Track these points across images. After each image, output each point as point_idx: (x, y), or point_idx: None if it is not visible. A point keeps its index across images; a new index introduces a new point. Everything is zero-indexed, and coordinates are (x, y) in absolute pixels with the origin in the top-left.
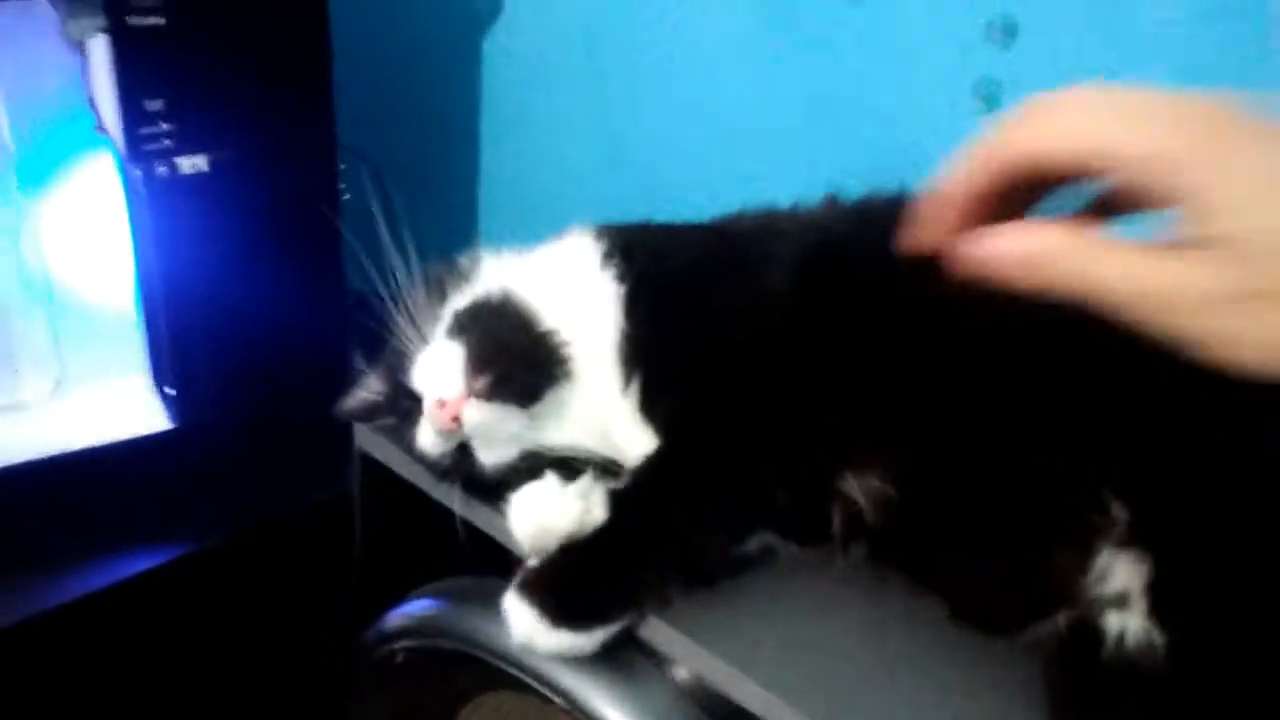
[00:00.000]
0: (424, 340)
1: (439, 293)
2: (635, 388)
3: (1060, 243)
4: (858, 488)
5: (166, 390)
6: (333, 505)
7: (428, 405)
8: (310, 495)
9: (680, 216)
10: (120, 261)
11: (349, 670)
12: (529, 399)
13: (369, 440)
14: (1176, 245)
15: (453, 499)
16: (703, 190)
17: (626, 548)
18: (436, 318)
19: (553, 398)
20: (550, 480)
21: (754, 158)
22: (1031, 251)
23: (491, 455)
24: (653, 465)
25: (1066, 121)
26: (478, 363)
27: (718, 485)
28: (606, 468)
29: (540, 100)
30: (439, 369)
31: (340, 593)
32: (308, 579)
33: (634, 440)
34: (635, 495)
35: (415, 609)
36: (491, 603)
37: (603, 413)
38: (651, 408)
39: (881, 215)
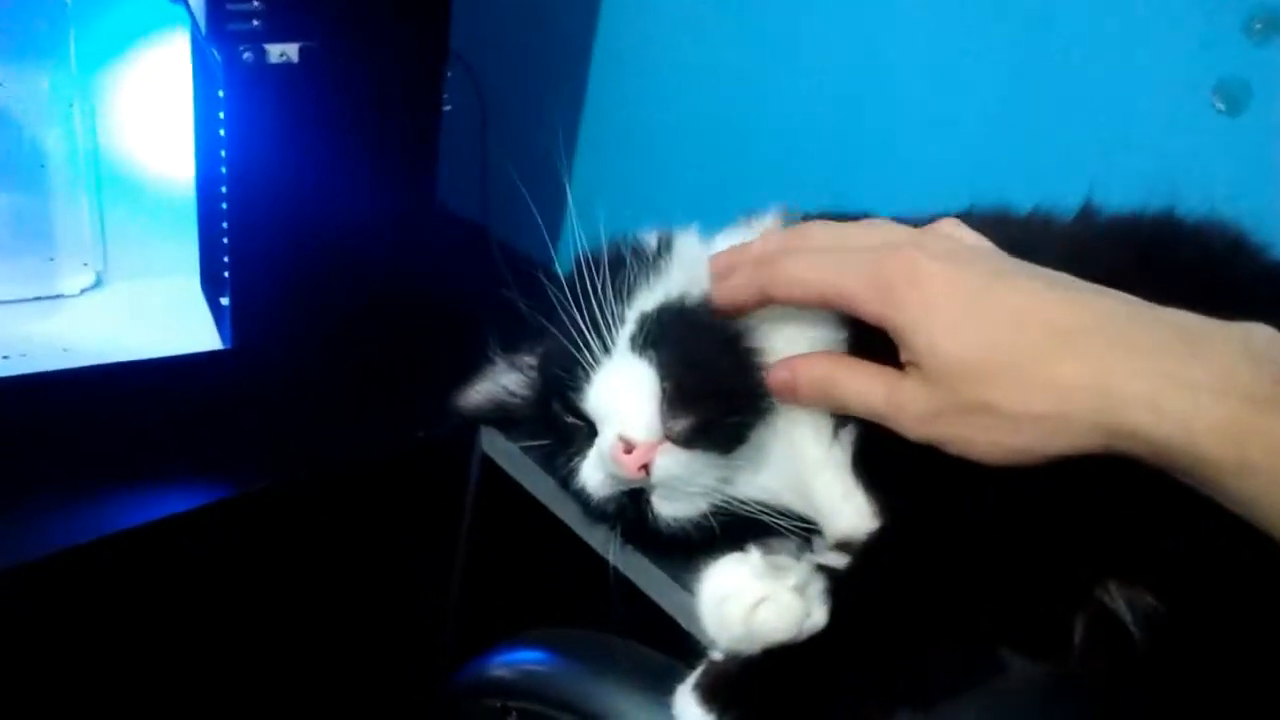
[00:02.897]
0: (601, 345)
1: (621, 279)
2: (849, 436)
3: (825, 372)
4: (1122, 600)
5: (221, 302)
6: (405, 460)
7: (607, 443)
8: (380, 444)
9: (814, 195)
10: (181, 151)
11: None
12: (734, 445)
13: (500, 450)
14: (905, 365)
15: (610, 549)
16: (851, 169)
17: (848, 665)
18: (618, 317)
19: (753, 440)
20: (754, 560)
21: (928, 140)
22: (813, 380)
23: (674, 508)
24: (880, 559)
25: (795, 273)
26: (680, 400)
27: (963, 590)
28: (801, 528)
29: (667, 33)
30: (626, 399)
31: (414, 574)
32: (372, 543)
33: (838, 500)
34: (861, 598)
35: (529, 662)
36: (637, 678)
37: (803, 461)
38: (870, 468)
39: (1156, 245)
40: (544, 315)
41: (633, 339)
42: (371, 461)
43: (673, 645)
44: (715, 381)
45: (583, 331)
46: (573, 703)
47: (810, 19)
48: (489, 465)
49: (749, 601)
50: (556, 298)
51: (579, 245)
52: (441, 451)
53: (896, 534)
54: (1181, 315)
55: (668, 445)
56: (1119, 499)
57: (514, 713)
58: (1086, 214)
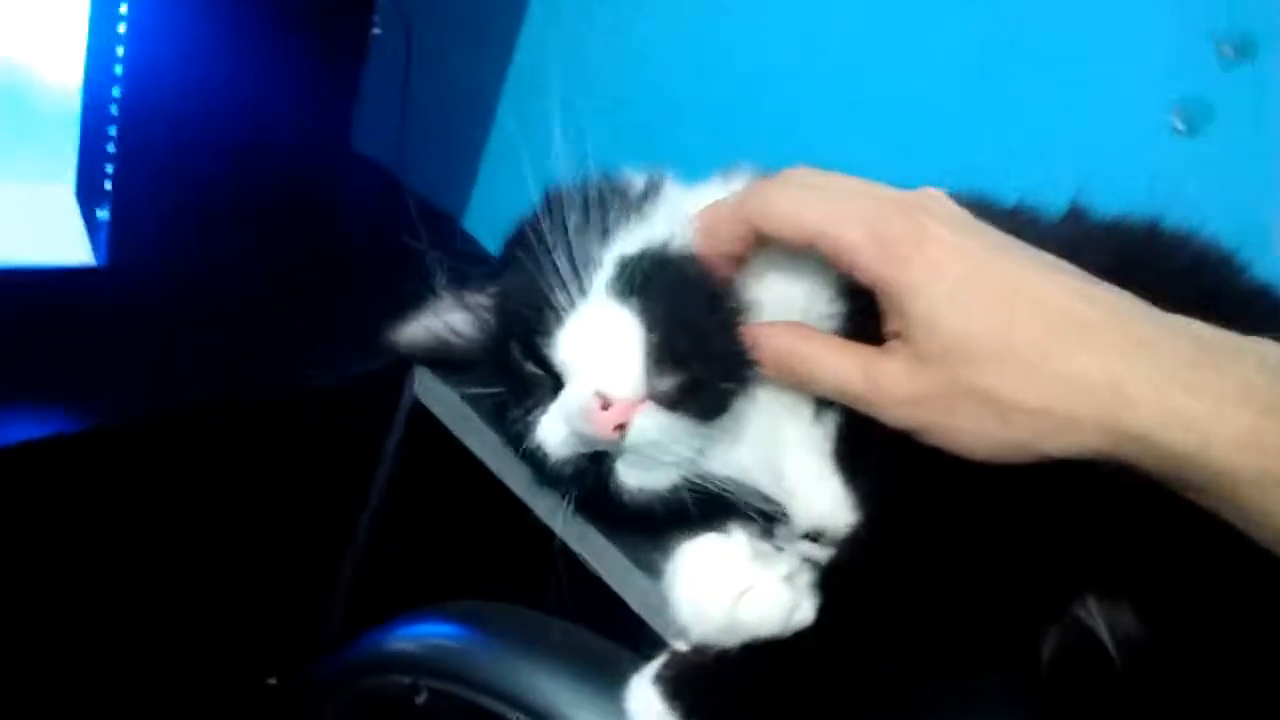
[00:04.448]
0: (576, 285)
1: (598, 218)
2: (832, 420)
3: (789, 345)
4: (1101, 618)
5: (97, 214)
6: (301, 403)
7: (580, 398)
8: (265, 384)
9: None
10: (70, 37)
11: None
12: (718, 412)
13: (435, 396)
14: (888, 339)
15: (558, 519)
16: (799, 135)
17: (839, 668)
18: (594, 258)
19: (733, 411)
20: (740, 541)
21: (885, 139)
22: (776, 352)
23: (641, 478)
24: (875, 555)
25: (788, 207)
26: (667, 356)
27: (945, 595)
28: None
29: None
30: (606, 350)
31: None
32: (256, 493)
33: (812, 485)
34: (857, 596)
35: (438, 636)
36: (574, 662)
37: (780, 440)
38: (850, 456)
39: (1148, 251)
40: (508, 252)
41: (611, 283)
42: (256, 402)
43: (618, 633)
44: (704, 340)
45: (554, 271)
46: (494, 684)
47: None
48: (419, 412)
49: (734, 588)
50: (524, 233)
51: (542, 184)
52: (352, 395)
53: (890, 531)
54: (1196, 324)
55: (649, 406)
56: (1109, 508)
57: (425, 691)
58: (1074, 215)
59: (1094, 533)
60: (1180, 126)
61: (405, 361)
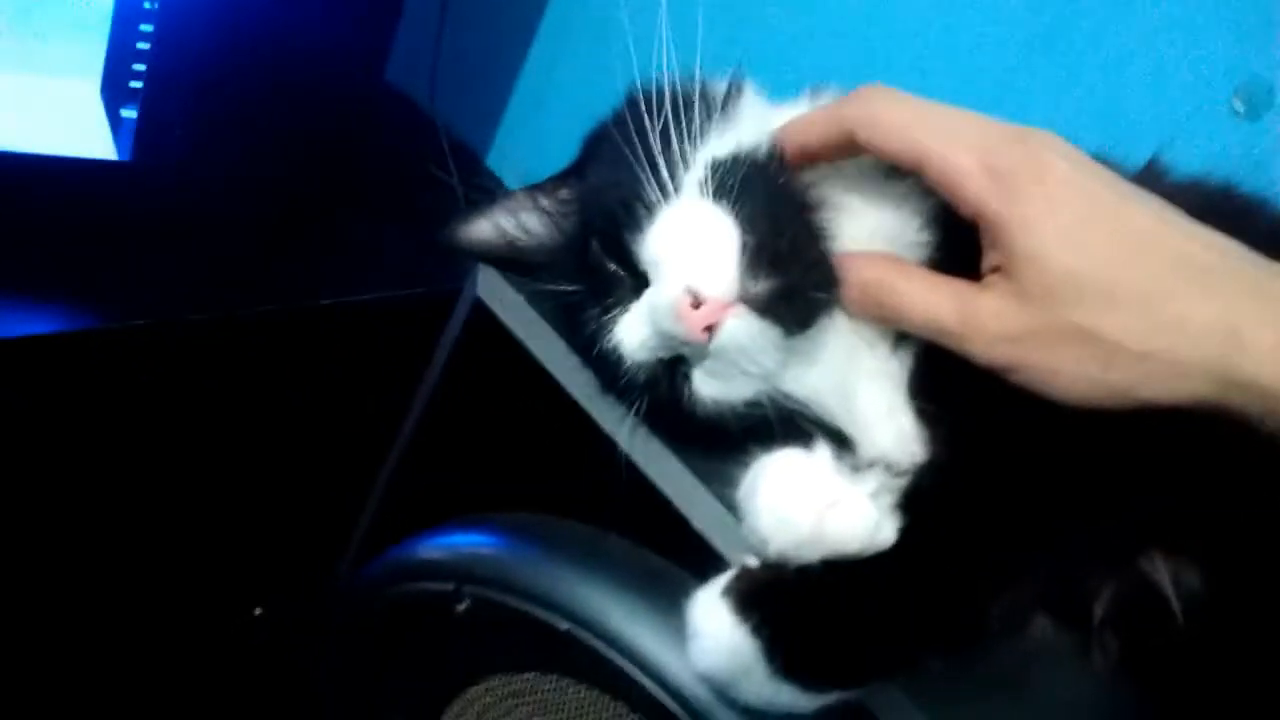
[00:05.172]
0: (668, 182)
1: (688, 119)
2: (910, 352)
3: (880, 276)
4: (1166, 573)
5: (121, 114)
6: (317, 322)
7: (669, 296)
8: (285, 298)
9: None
10: None
11: (341, 600)
12: (805, 325)
13: (499, 296)
14: (986, 274)
15: (622, 431)
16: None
17: (916, 591)
18: (685, 158)
19: (816, 329)
20: (823, 455)
21: (934, 80)
22: (865, 283)
23: (718, 388)
24: (957, 490)
25: (895, 119)
26: (763, 259)
27: (1032, 542)
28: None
29: None
30: (701, 247)
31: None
32: (255, 406)
33: (882, 416)
34: (938, 525)
35: (473, 545)
36: (625, 574)
37: (855, 367)
38: (926, 392)
39: (1230, 209)
40: (586, 151)
41: (702, 184)
42: (271, 312)
43: (678, 556)
44: (799, 248)
45: (644, 167)
46: (544, 592)
47: None
48: (478, 315)
49: (822, 500)
50: (608, 131)
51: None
52: (378, 314)
53: (972, 466)
54: None
55: (741, 308)
56: (1190, 463)
57: (468, 599)
58: (1152, 170)
59: (1170, 486)
60: (1240, 108)
61: (441, 284)
